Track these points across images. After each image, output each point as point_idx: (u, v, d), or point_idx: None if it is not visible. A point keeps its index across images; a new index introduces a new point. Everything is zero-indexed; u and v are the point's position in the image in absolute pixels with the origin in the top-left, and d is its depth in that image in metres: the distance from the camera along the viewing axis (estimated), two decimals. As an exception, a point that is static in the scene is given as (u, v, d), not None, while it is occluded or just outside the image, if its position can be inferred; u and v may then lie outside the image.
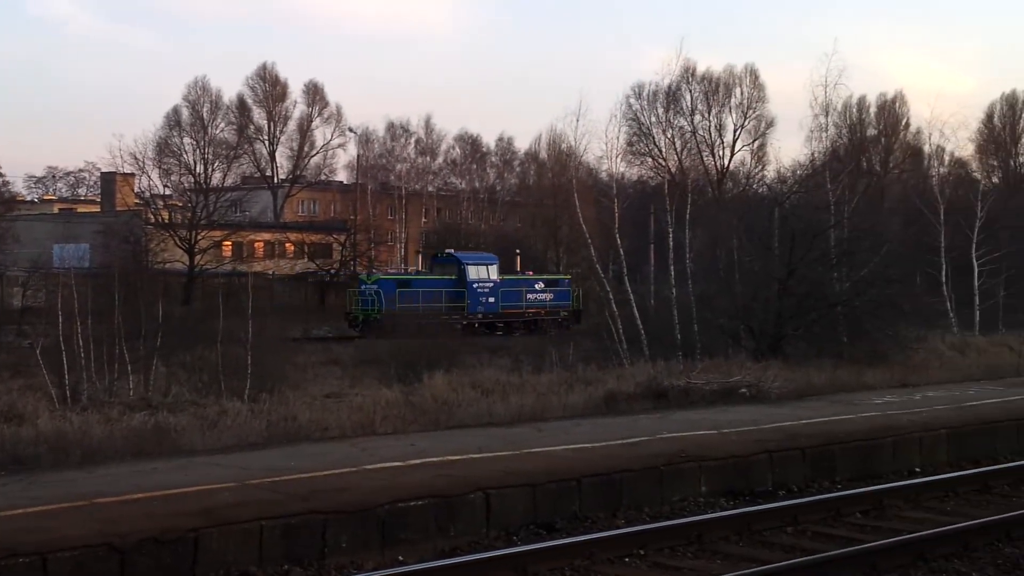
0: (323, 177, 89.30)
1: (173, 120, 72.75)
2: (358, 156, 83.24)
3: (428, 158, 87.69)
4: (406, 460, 12.41)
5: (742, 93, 78.66)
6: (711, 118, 77.71)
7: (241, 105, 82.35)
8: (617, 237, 35.10)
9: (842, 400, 19.30)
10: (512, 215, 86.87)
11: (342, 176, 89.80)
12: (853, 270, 33.03)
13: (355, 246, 68.62)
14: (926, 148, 69.93)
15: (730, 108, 78.30)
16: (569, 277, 57.22)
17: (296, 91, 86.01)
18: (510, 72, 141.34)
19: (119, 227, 59.32)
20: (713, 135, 77.85)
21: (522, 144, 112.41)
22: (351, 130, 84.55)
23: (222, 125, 76.91)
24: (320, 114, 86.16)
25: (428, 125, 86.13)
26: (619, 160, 61.41)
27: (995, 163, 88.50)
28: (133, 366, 23.43)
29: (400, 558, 10.14)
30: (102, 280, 27.62)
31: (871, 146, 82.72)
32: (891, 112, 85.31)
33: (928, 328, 36.40)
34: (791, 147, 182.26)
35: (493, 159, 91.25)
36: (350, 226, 71.24)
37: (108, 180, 77.13)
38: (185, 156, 70.10)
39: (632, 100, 73.56)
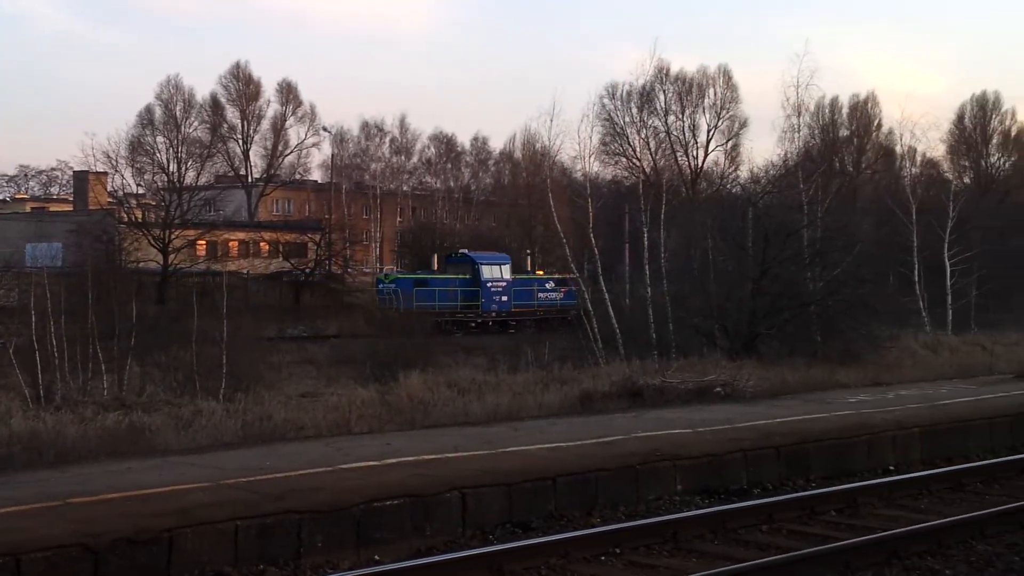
0: (297, 176, 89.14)
1: (146, 119, 72.58)
2: (332, 155, 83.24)
3: (403, 157, 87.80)
4: (382, 459, 12.39)
5: (716, 94, 79.22)
6: (685, 118, 78.21)
7: (214, 104, 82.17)
8: (591, 237, 35.17)
9: (816, 399, 19.37)
10: (487, 215, 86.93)
11: (316, 175, 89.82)
12: (826, 270, 33.22)
13: (330, 245, 68.46)
14: (898, 149, 70.45)
15: (704, 108, 78.80)
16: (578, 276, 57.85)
17: (270, 90, 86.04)
18: (485, 72, 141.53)
19: (92, 226, 58.94)
20: (687, 135, 78.34)
21: (497, 144, 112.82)
22: (325, 129, 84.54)
23: (195, 124, 76.79)
24: (294, 113, 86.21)
25: (403, 125, 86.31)
26: (593, 160, 61.50)
27: (966, 163, 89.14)
28: (107, 366, 23.35)
29: (376, 557, 10.12)
30: (75, 279, 27.50)
31: (844, 146, 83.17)
32: (863, 113, 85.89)
33: (901, 327, 36.68)
34: (764, 147, 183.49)
35: (468, 159, 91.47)
36: (325, 225, 71.08)
37: (81, 179, 76.66)
38: (158, 155, 69.92)
39: (606, 100, 73.90)
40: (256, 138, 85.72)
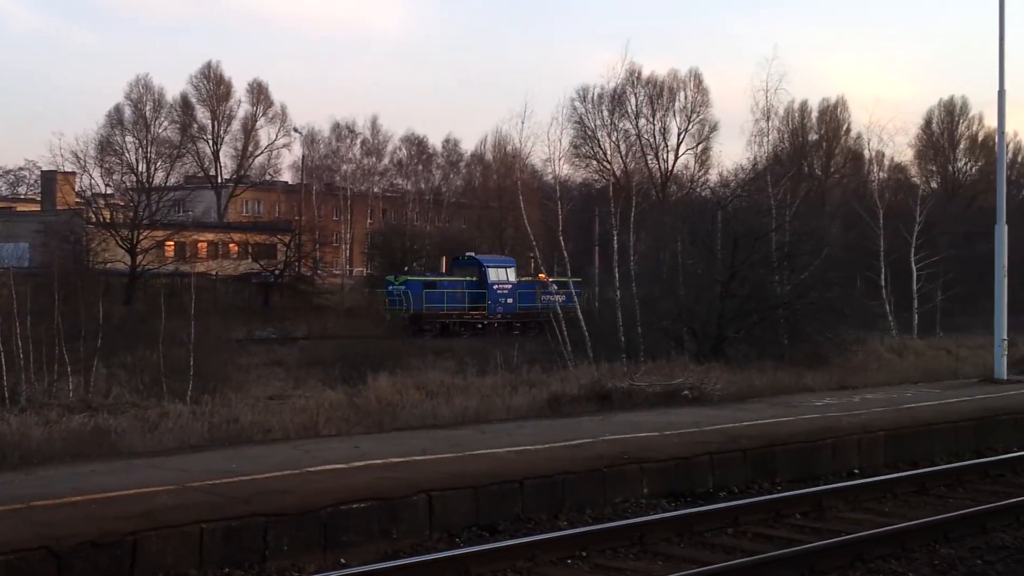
0: (267, 177, 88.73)
1: (115, 118, 71.97)
2: (303, 156, 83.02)
3: (374, 159, 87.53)
4: (349, 462, 12.37)
5: (686, 97, 79.52)
6: (655, 121, 78.42)
7: (184, 104, 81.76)
8: (561, 239, 35.25)
9: (782, 402, 19.45)
10: (458, 216, 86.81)
11: (287, 176, 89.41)
12: (794, 273, 33.40)
13: (300, 247, 68.19)
14: (866, 153, 70.82)
15: (674, 112, 79.10)
16: (579, 280, 58.77)
17: (240, 90, 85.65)
18: (457, 74, 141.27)
19: (59, 226, 58.48)
20: (657, 138, 78.62)
21: (468, 146, 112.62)
22: (296, 130, 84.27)
23: (165, 124, 76.19)
24: (264, 114, 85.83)
25: (374, 126, 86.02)
26: (563, 163, 61.67)
27: (933, 168, 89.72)
28: (73, 367, 23.18)
29: (342, 560, 10.12)
30: (42, 280, 27.33)
31: (812, 151, 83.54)
32: (832, 117, 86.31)
33: (867, 331, 36.92)
34: (734, 151, 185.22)
35: (439, 160, 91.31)
36: (295, 227, 70.83)
37: (48, 179, 75.98)
38: (127, 155, 69.24)
39: (577, 103, 74.05)
40: (226, 139, 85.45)
